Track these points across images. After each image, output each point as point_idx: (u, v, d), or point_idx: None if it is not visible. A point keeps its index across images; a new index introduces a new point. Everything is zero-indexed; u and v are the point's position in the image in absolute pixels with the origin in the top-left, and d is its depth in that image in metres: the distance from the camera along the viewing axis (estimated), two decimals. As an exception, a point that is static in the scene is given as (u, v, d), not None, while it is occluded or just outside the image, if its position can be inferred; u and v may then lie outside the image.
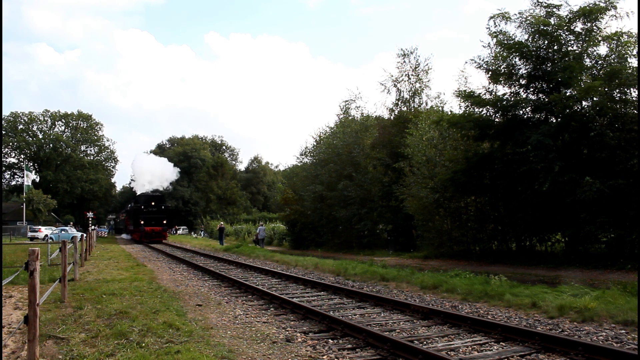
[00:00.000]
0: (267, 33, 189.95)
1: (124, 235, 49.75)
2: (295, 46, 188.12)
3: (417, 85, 26.56)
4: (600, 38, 15.28)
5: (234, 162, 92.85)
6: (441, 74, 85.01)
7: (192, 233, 61.10)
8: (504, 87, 17.03)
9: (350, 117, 30.19)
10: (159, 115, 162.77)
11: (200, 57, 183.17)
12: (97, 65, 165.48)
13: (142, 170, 44.86)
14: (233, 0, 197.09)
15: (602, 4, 14.97)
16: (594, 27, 15.31)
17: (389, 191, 23.92)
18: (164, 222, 37.67)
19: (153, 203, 37.88)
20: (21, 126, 69.63)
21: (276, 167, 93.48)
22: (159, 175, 45.25)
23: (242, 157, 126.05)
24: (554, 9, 15.83)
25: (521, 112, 16.40)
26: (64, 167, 69.54)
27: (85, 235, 20.05)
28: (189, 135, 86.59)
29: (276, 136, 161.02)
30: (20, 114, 69.79)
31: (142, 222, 36.21)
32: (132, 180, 60.73)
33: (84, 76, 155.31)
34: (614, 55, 14.80)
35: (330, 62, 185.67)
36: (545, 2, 15.91)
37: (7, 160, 68.44)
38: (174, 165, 51.42)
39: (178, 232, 59.05)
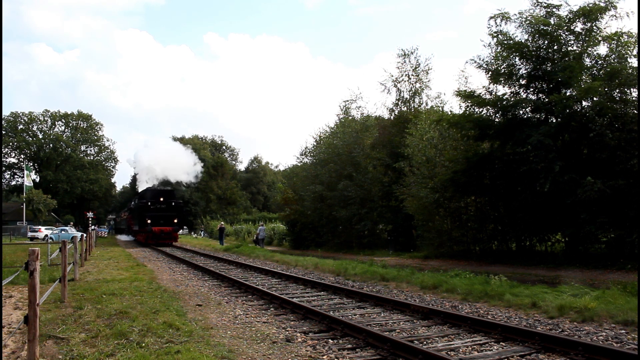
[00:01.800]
0: (266, 33, 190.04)
1: (124, 237, 45.38)
2: (294, 46, 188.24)
3: (417, 85, 26.59)
4: (600, 38, 15.28)
5: (234, 162, 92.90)
6: (441, 74, 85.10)
7: (192, 233, 61.10)
8: (504, 87, 17.05)
9: (350, 117, 30.20)
10: (159, 115, 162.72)
11: (200, 57, 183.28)
12: (97, 65, 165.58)
13: (154, 159, 37.48)
14: (231, 1, 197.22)
15: (602, 4, 14.97)
16: (594, 27, 15.31)
17: (389, 191, 23.93)
18: (175, 220, 31.63)
19: (162, 199, 31.76)
20: (21, 126, 69.74)
21: (276, 167, 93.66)
22: (179, 165, 38.11)
23: (242, 157, 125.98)
24: (554, 9, 15.83)
25: (521, 112, 16.40)
26: (64, 167, 69.62)
27: (85, 235, 20.05)
28: (189, 135, 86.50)
29: (276, 136, 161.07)
30: (20, 114, 69.96)
31: (148, 222, 30.45)
32: (134, 175, 56.48)
33: (83, 76, 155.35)
34: (614, 55, 14.78)
35: (330, 62, 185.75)
36: (545, 2, 15.91)
37: (7, 160, 68.58)
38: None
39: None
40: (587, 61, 15.45)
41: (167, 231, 30.74)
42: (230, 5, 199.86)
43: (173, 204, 32.24)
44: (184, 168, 40.81)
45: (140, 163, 40.84)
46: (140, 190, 38.18)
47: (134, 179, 61.93)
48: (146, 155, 40.52)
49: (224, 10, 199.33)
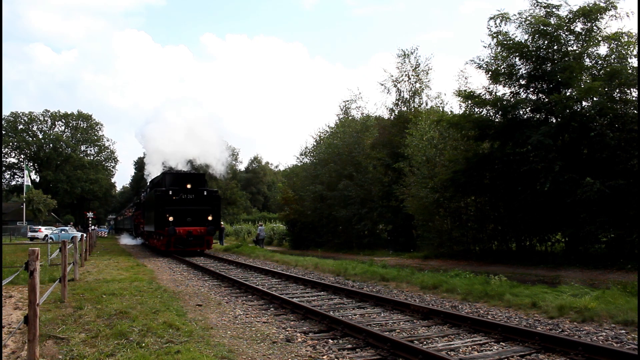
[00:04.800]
0: (263, 34, 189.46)
1: (128, 239, 37.42)
2: (292, 46, 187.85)
3: (417, 85, 26.62)
4: (600, 38, 15.29)
5: (234, 162, 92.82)
6: (440, 74, 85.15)
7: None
8: (504, 87, 17.08)
9: (350, 117, 30.24)
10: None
11: (199, 58, 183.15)
12: (96, 65, 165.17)
13: (168, 134, 26.57)
14: (228, 2, 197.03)
15: (602, 4, 14.99)
16: (594, 27, 15.32)
17: (389, 191, 23.94)
18: (210, 218, 21.61)
19: (189, 185, 21.68)
20: (21, 126, 69.81)
21: (276, 167, 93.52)
22: (212, 146, 27.67)
23: (242, 157, 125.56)
24: (554, 9, 15.84)
25: (521, 112, 16.42)
26: (64, 167, 69.64)
27: (85, 235, 20.04)
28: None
29: (276, 136, 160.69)
30: (20, 114, 70.04)
31: (170, 219, 20.72)
32: (140, 159, 50.56)
33: (82, 76, 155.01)
34: (614, 56, 14.80)
35: (329, 62, 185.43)
36: (545, 2, 15.92)
37: (7, 160, 68.61)
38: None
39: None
40: (587, 61, 15.46)
41: (198, 233, 21.18)
42: (227, 6, 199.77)
43: (205, 193, 21.90)
44: (217, 153, 29.42)
45: (151, 139, 28.72)
46: (152, 177, 27.73)
47: (139, 172, 59.09)
48: (163, 126, 28.33)
49: (221, 10, 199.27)
